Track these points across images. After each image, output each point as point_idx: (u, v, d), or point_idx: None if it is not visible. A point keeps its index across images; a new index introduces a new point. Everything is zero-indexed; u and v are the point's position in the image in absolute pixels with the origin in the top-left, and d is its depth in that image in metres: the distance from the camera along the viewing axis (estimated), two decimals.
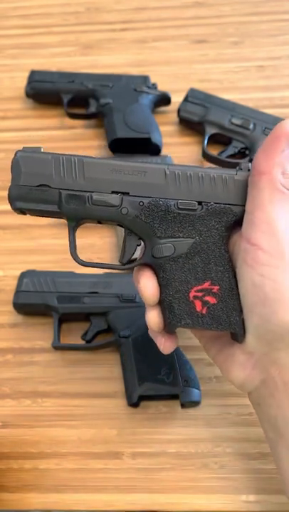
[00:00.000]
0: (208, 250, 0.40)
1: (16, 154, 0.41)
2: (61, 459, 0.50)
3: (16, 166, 0.41)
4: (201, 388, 0.51)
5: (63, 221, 0.63)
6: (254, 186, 0.39)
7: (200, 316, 0.40)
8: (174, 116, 0.71)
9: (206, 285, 0.40)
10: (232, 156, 0.66)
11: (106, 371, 0.54)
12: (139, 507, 0.48)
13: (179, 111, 0.68)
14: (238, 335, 0.40)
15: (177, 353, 0.51)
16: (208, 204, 0.40)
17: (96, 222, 0.42)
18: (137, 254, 0.43)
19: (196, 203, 0.40)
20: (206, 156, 0.65)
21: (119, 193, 0.40)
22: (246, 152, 0.65)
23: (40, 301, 0.55)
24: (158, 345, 0.43)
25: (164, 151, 0.68)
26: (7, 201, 0.41)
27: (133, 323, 0.53)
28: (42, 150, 0.42)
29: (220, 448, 0.49)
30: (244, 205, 0.40)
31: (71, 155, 0.41)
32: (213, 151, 0.67)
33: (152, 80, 0.75)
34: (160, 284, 0.41)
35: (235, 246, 0.40)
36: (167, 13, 0.82)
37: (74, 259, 0.42)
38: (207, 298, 0.40)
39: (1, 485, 0.49)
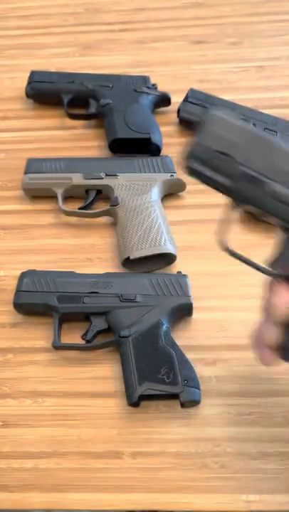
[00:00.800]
0: None
1: (211, 111, 0.36)
2: (61, 459, 0.50)
3: (209, 124, 0.36)
4: (201, 388, 0.51)
5: (64, 221, 0.64)
6: None
7: None
8: (174, 117, 0.71)
9: None
10: None
11: (106, 371, 0.54)
12: (139, 507, 0.48)
13: (179, 111, 0.69)
14: None
15: (177, 352, 0.51)
16: None
17: (254, 213, 0.37)
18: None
19: None
20: None
21: None
22: None
23: (40, 300, 0.55)
24: (259, 357, 0.39)
25: (164, 151, 0.68)
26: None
27: (133, 323, 0.53)
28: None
29: (220, 448, 0.49)
30: None
31: (262, 133, 0.36)
32: None
33: (151, 80, 0.75)
34: None
35: None
36: (166, 14, 0.82)
37: (218, 243, 0.37)
38: None
39: (2, 484, 0.49)
